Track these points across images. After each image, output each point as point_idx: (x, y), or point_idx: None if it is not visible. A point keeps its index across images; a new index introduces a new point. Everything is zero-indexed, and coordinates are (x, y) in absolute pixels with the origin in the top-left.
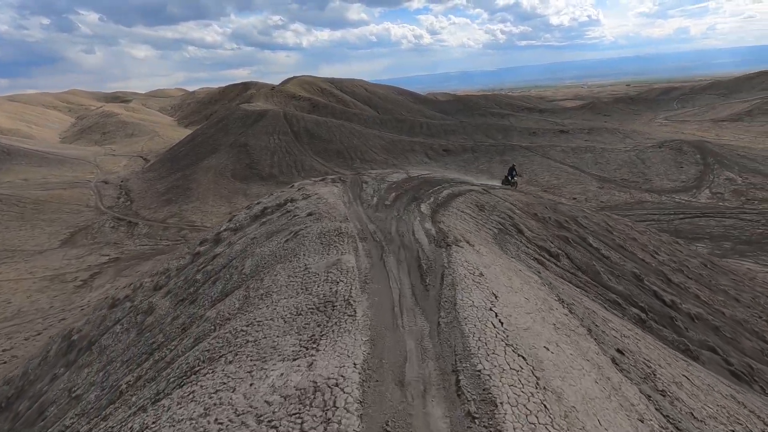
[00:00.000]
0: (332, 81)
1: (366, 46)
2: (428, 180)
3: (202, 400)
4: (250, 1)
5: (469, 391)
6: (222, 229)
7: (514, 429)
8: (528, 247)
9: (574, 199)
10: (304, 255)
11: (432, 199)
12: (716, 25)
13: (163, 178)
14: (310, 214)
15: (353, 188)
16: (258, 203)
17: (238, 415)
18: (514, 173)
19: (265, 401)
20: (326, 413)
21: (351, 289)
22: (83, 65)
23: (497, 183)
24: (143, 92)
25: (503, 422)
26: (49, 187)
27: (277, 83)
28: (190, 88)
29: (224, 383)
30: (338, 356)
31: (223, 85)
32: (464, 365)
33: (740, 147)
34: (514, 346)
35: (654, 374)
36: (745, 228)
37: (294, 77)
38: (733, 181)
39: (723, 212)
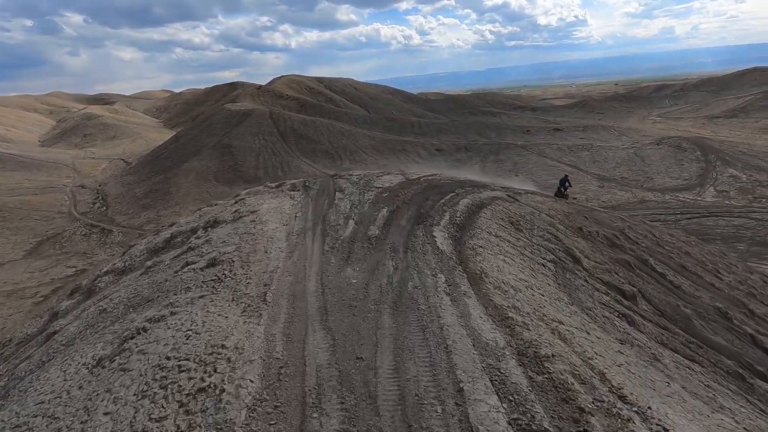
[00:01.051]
0: (321, 80)
1: (355, 47)
2: (433, 184)
3: None
4: (237, 3)
5: None
6: (103, 271)
7: None
8: (598, 289)
9: (575, 199)
10: None
11: (447, 216)
12: (700, 25)
13: (142, 181)
14: (210, 265)
15: (318, 201)
16: (171, 226)
17: None
18: (567, 184)
19: None
20: None
21: None
22: (68, 67)
23: (507, 185)
24: (128, 94)
25: None
26: (19, 193)
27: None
28: (177, 90)
29: None
30: None
31: (210, 86)
32: None
33: (740, 143)
34: None
35: None
36: (757, 228)
37: (281, 76)
38: (738, 178)
39: (731, 211)
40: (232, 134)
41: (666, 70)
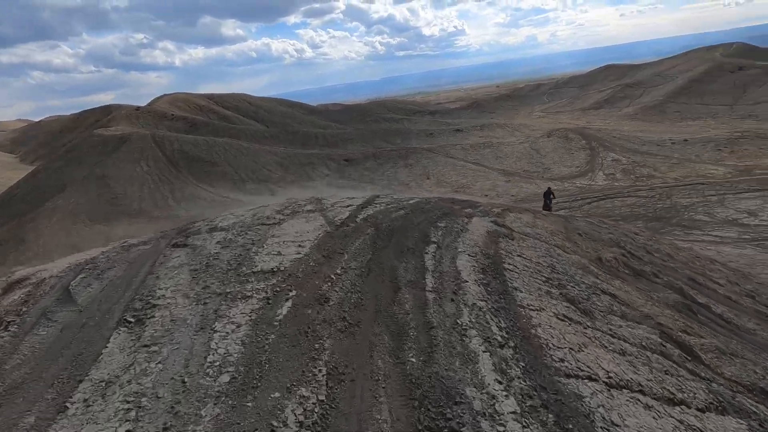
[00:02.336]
0: (211, 96)
1: (246, 63)
2: (384, 228)
3: None
4: (104, 19)
5: None
6: None
7: None
8: None
9: (485, 196)
10: None
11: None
12: (557, 32)
13: None
14: None
15: None
16: None
17: None
18: (551, 196)
19: None
20: None
21: None
22: None
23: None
24: None
25: None
26: None
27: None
28: (38, 119)
29: None
30: None
31: (80, 111)
32: None
33: (612, 130)
34: None
35: None
36: (647, 205)
37: (164, 95)
38: (619, 161)
39: (621, 192)
40: (107, 163)
41: (535, 72)
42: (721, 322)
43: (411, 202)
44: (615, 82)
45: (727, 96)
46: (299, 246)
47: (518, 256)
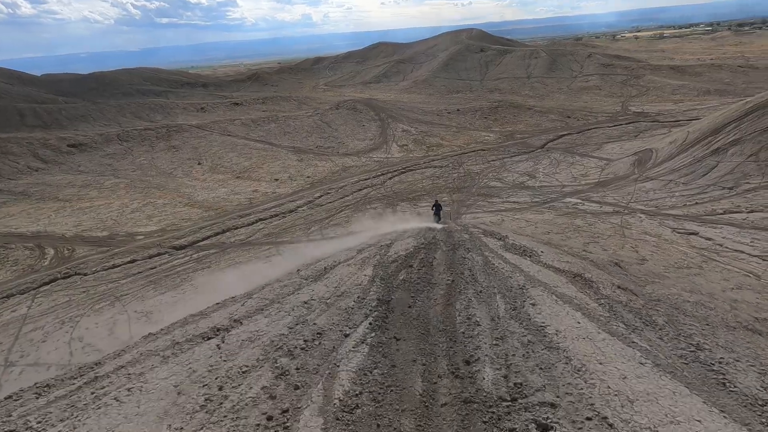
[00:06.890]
0: None
1: None
2: None
3: None
4: None
5: None
6: None
7: None
8: None
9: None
10: None
11: None
12: (329, 14)
13: None
14: None
15: None
16: None
17: None
18: (440, 208)
19: None
20: None
21: None
22: None
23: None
24: None
25: None
26: None
27: None
28: None
29: None
30: None
31: None
32: None
33: (395, 101)
34: None
35: None
36: (446, 176)
37: None
38: (409, 132)
39: (419, 164)
40: None
41: (313, 51)
42: None
43: None
44: (388, 59)
45: (476, 72)
46: None
47: None
